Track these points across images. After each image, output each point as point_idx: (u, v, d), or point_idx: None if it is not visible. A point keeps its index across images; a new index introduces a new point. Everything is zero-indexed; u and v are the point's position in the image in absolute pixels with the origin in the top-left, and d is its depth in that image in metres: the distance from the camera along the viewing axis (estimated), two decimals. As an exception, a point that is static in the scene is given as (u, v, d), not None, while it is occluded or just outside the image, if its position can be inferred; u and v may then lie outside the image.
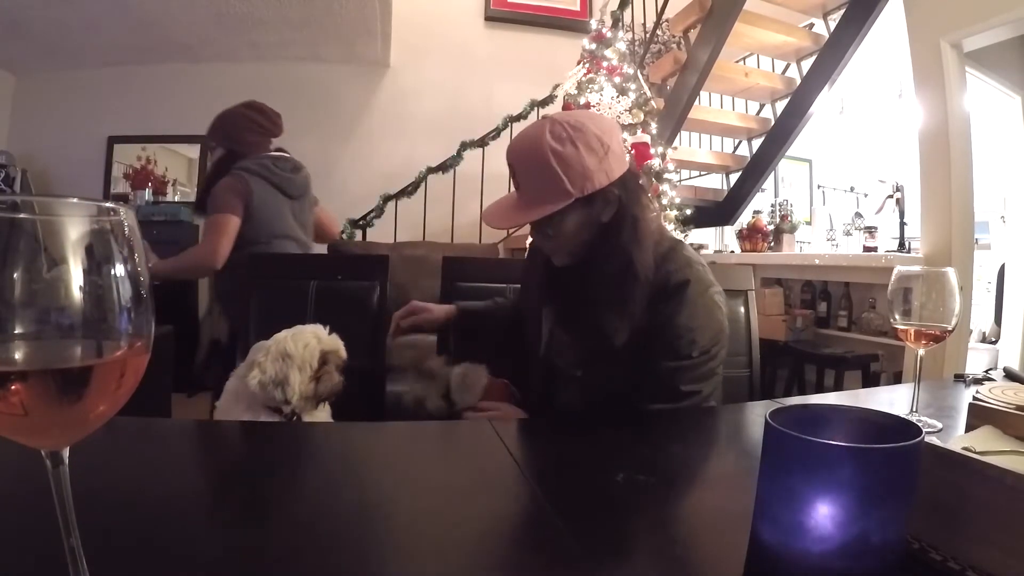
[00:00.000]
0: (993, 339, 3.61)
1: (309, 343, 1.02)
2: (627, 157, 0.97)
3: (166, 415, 2.12)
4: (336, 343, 1.06)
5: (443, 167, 3.68)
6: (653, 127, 2.84)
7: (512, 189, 1.00)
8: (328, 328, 1.07)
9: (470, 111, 4.17)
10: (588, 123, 0.93)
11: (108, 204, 0.30)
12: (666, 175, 2.76)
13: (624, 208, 0.95)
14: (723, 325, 0.98)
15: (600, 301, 0.95)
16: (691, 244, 2.79)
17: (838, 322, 3.22)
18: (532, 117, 3.77)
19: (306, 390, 1.00)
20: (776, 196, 4.50)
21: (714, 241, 4.62)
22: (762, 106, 4.04)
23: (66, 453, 0.32)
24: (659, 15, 3.59)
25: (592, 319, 0.97)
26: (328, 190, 4.17)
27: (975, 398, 0.65)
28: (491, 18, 4.50)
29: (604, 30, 2.96)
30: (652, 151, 2.72)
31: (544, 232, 0.97)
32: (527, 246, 2.87)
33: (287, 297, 1.42)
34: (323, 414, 1.07)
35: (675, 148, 3.37)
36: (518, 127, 3.75)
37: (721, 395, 1.03)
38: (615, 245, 0.94)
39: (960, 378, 1.12)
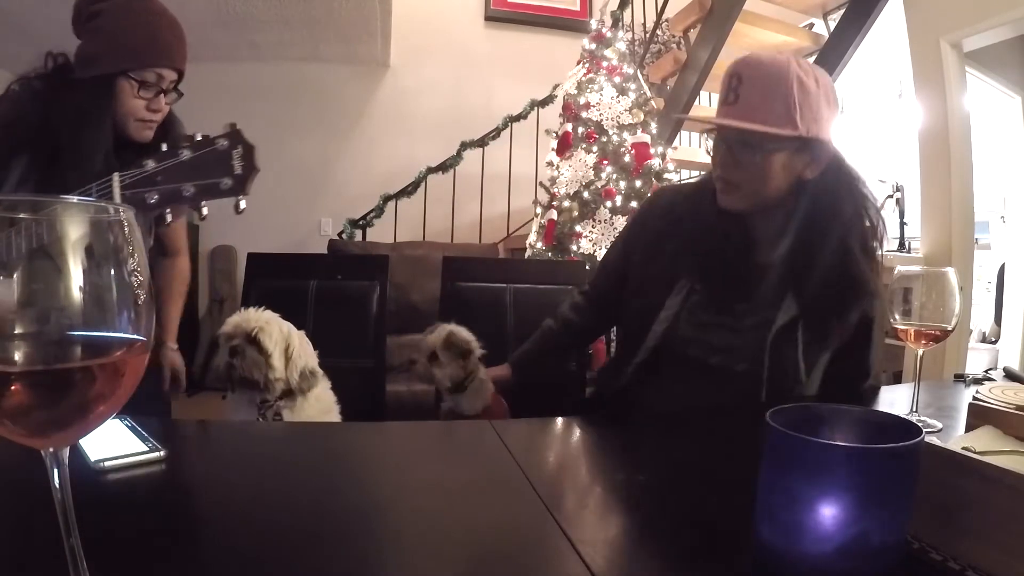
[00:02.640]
0: (993, 339, 3.60)
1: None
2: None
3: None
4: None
5: (443, 167, 3.67)
6: (653, 127, 2.83)
7: (719, 103, 0.89)
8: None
9: (470, 111, 4.17)
10: (829, 80, 0.89)
11: (108, 204, 0.31)
12: (666, 175, 2.76)
13: (840, 163, 0.90)
14: None
15: (851, 248, 0.88)
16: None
17: (838, 322, 3.21)
18: (532, 117, 3.76)
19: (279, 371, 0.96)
20: (776, 196, 4.49)
21: (714, 241, 4.60)
22: (762, 106, 4.03)
23: (66, 453, 0.32)
24: (659, 15, 3.59)
25: (842, 265, 0.88)
26: (328, 190, 4.23)
27: (975, 398, 0.65)
28: (491, 18, 4.49)
29: (604, 30, 2.96)
30: (652, 151, 2.72)
31: (746, 158, 0.86)
32: (538, 242, 2.82)
33: (287, 297, 1.42)
34: (312, 411, 1.02)
35: (675, 148, 3.36)
36: (518, 127, 3.75)
37: None
38: (850, 188, 0.89)
39: (960, 378, 1.12)
